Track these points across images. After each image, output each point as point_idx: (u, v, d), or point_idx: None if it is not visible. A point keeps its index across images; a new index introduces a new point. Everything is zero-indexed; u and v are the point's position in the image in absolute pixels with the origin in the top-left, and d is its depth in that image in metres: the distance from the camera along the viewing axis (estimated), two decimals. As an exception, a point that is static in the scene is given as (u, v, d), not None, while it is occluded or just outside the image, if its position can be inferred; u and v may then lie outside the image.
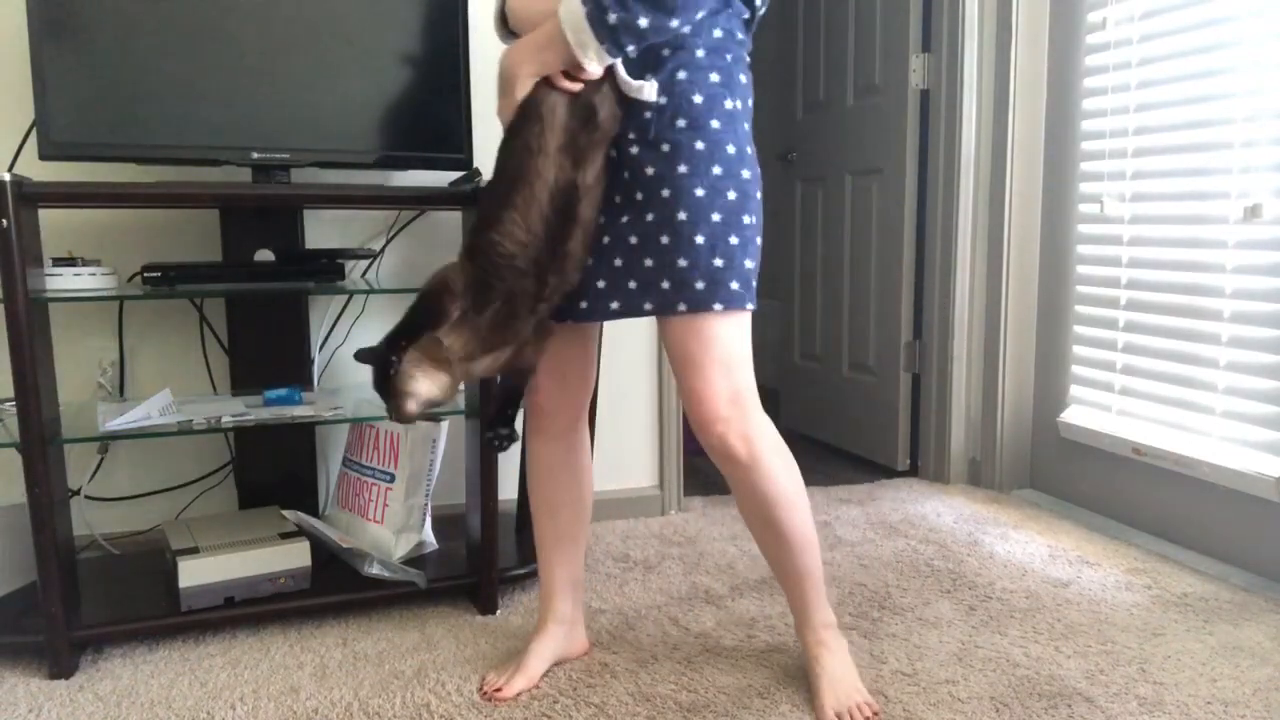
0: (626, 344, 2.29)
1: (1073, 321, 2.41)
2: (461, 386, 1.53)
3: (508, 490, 2.09)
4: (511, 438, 1.39)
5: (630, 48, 1.18)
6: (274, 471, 1.96)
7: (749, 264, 1.28)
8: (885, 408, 2.86)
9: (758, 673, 1.52)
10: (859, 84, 2.93)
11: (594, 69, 1.19)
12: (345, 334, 2.11)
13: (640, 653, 1.60)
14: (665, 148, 1.23)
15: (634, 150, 1.24)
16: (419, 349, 1.21)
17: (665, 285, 1.25)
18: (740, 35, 1.29)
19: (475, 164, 1.98)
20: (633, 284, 1.28)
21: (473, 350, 1.23)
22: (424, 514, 1.90)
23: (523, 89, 1.21)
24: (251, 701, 1.43)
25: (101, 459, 1.98)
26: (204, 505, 2.06)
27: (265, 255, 1.88)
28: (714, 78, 1.24)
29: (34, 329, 1.45)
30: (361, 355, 1.25)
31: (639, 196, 1.25)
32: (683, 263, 1.24)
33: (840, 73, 3.02)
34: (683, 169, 1.23)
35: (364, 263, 2.09)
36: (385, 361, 1.21)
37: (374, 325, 2.14)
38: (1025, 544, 2.14)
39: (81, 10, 1.62)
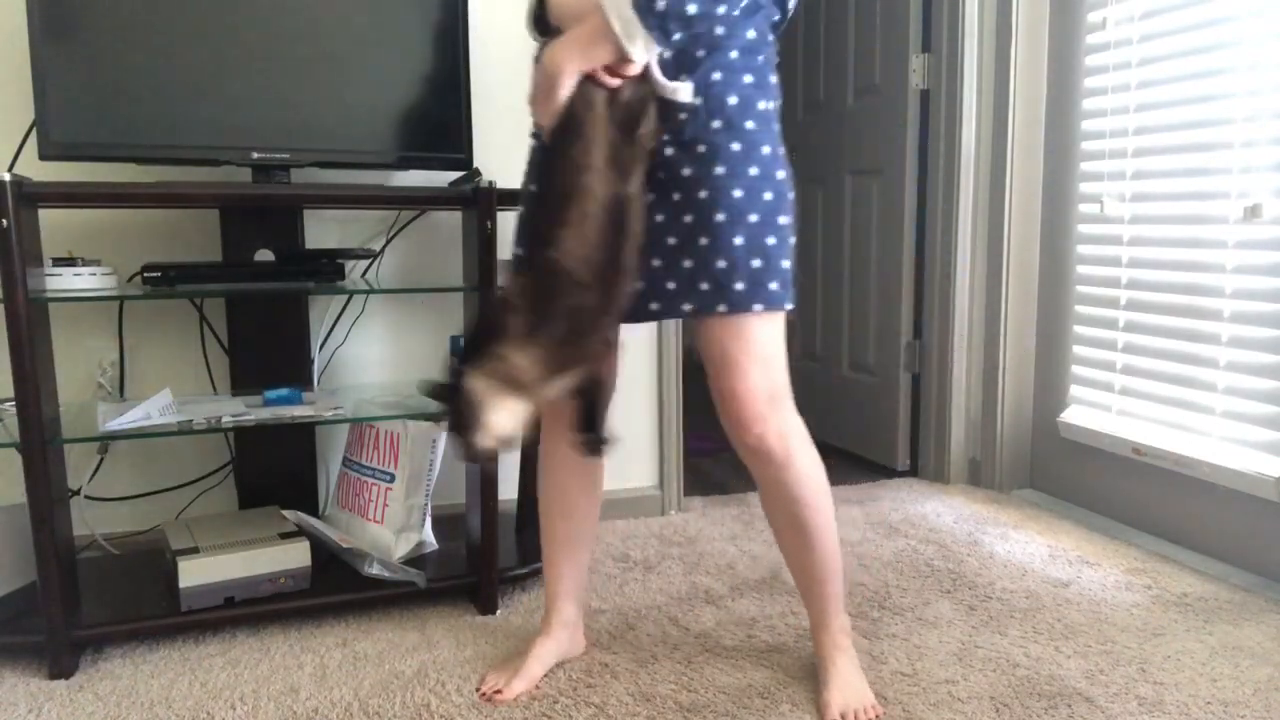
0: (627, 344, 2.29)
1: (1073, 321, 2.41)
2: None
3: (508, 490, 2.09)
4: (607, 441, 1.34)
5: (677, 35, 1.17)
6: (274, 471, 1.96)
7: (785, 263, 1.28)
8: (885, 408, 2.86)
9: (758, 673, 1.52)
10: (859, 84, 2.93)
11: (640, 59, 1.17)
12: (345, 334, 2.11)
13: (640, 653, 1.60)
14: (701, 149, 1.23)
15: (669, 152, 1.24)
16: (488, 374, 1.15)
17: (705, 286, 1.25)
18: (770, 37, 1.29)
19: (475, 164, 1.99)
20: (671, 285, 1.27)
21: (545, 370, 1.17)
22: (424, 514, 1.90)
23: (566, 89, 1.18)
24: (251, 701, 1.43)
25: (101, 459, 1.98)
26: (204, 505, 2.06)
27: (265, 255, 1.88)
28: (748, 79, 1.24)
29: (34, 329, 1.45)
30: (428, 389, 1.19)
31: (676, 198, 1.25)
32: (722, 264, 1.24)
33: (840, 73, 3.02)
34: (720, 170, 1.23)
35: (364, 263, 2.09)
36: (453, 388, 1.14)
37: (374, 325, 2.14)
38: (1025, 544, 2.14)
39: (81, 10, 1.62)
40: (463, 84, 1.89)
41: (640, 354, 2.33)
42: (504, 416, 1.15)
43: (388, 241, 2.11)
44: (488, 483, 1.74)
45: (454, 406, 1.15)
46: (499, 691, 1.43)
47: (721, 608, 1.79)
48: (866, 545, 2.13)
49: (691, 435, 3.14)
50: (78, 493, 1.96)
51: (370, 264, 2.10)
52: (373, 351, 2.14)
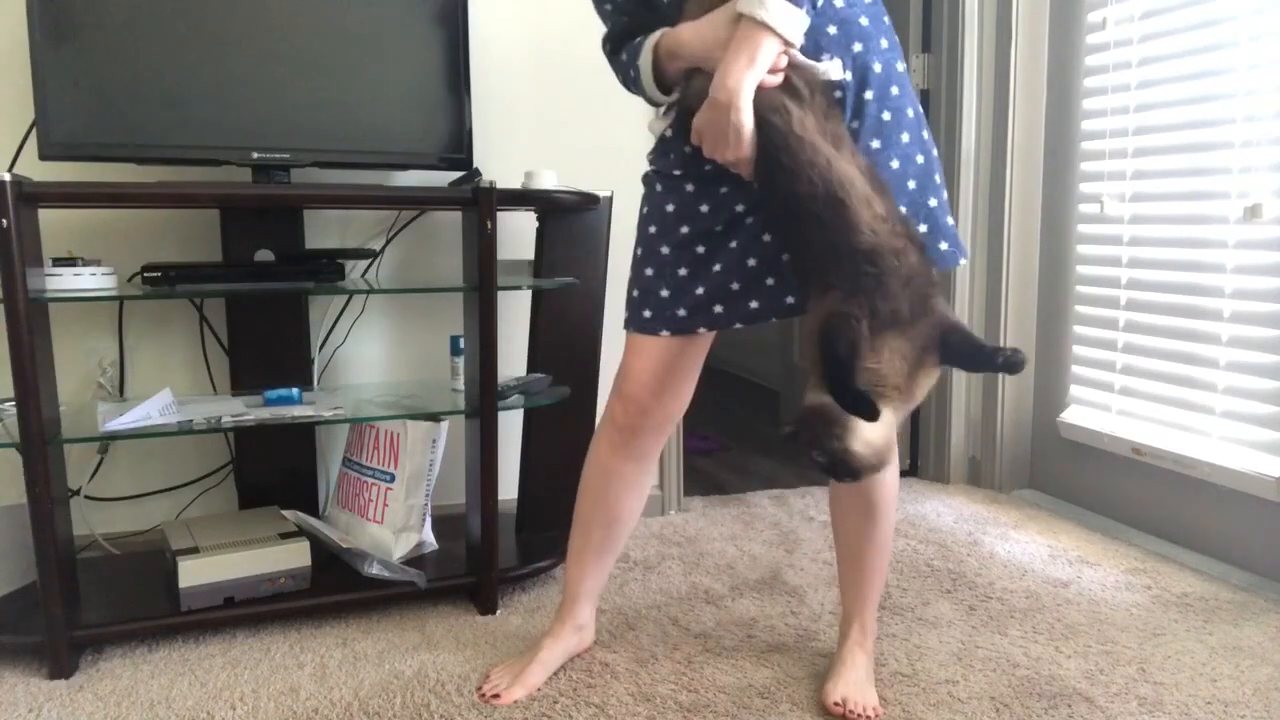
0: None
1: (1073, 321, 2.41)
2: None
3: (508, 490, 2.09)
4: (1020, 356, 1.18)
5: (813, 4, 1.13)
6: (274, 471, 1.96)
7: (950, 220, 1.27)
8: (885, 408, 2.85)
9: (758, 673, 1.52)
10: (859, 84, 2.93)
11: (799, 37, 1.12)
12: (345, 334, 2.11)
13: (640, 653, 1.59)
14: (855, 125, 1.20)
15: None
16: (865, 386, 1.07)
17: None
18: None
19: (475, 164, 1.99)
20: None
21: (909, 366, 1.09)
22: (424, 514, 1.90)
23: (749, 117, 1.12)
24: (251, 701, 1.43)
25: (101, 459, 1.98)
26: (204, 505, 2.06)
27: (265, 255, 1.88)
28: (884, 44, 1.22)
29: (34, 329, 1.45)
30: (800, 421, 1.11)
31: None
32: None
33: (840, 73, 3.02)
34: (875, 144, 1.21)
35: (364, 263, 2.09)
36: (861, 403, 1.06)
37: (374, 325, 2.14)
38: (1025, 544, 2.14)
39: (81, 11, 1.62)
40: (463, 84, 1.89)
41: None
42: (876, 429, 1.09)
43: (388, 241, 2.11)
44: (488, 483, 1.73)
45: (821, 425, 1.09)
46: (497, 695, 1.43)
47: (721, 608, 1.79)
48: (866, 545, 2.13)
49: (691, 435, 3.14)
50: (78, 493, 1.96)
51: (370, 264, 2.10)
52: (373, 351, 2.14)
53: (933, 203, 1.24)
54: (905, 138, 1.22)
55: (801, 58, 1.16)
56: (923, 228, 1.23)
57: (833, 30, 1.19)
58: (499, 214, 1.70)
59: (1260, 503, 1.92)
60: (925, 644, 1.62)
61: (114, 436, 1.58)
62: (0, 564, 1.69)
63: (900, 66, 1.24)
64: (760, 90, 1.13)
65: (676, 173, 1.31)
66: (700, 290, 1.30)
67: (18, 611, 1.62)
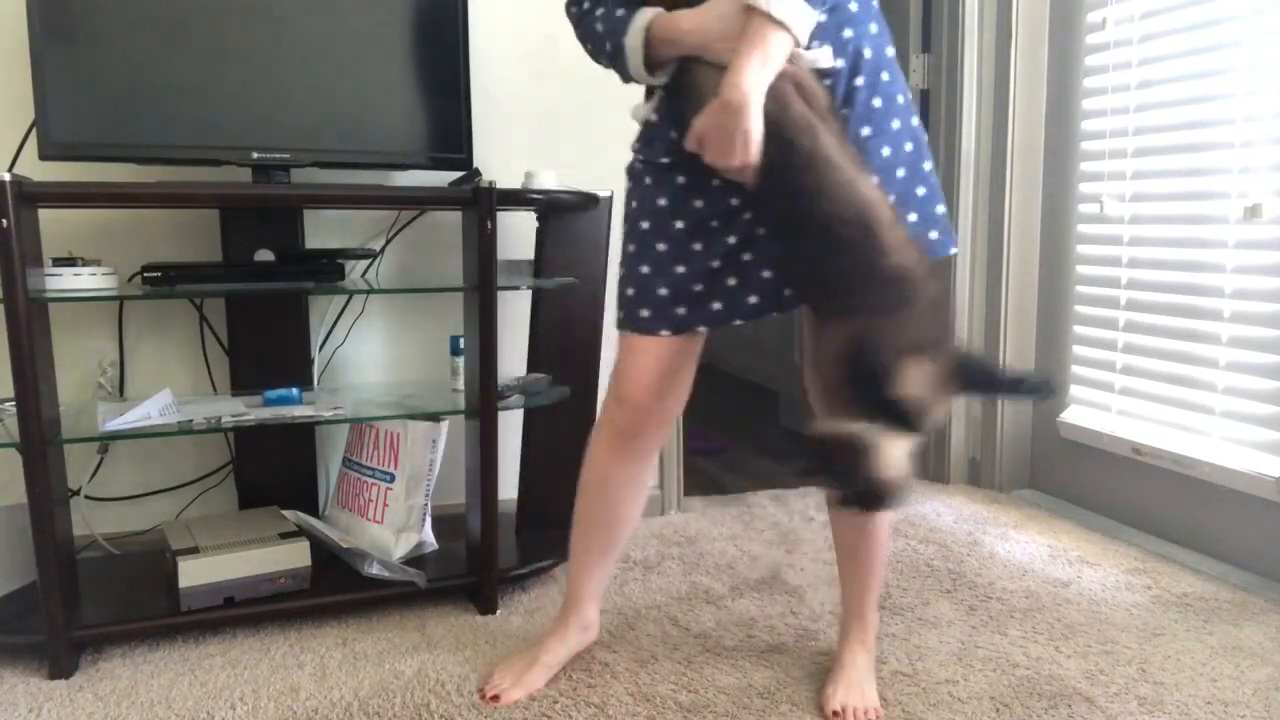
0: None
1: (1073, 321, 2.41)
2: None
3: (508, 490, 2.09)
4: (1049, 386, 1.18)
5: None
6: (274, 471, 1.96)
7: (940, 209, 1.25)
8: (885, 408, 2.86)
9: (758, 673, 1.52)
10: (859, 84, 2.93)
11: (807, 39, 1.10)
12: (345, 334, 2.11)
13: (640, 653, 1.59)
14: (846, 112, 1.18)
15: None
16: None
17: None
18: None
19: (475, 164, 1.99)
20: None
21: (930, 393, 1.06)
22: (424, 514, 1.90)
23: (761, 121, 1.08)
24: (251, 701, 1.43)
25: (101, 459, 1.98)
26: (204, 505, 2.06)
27: (265, 255, 1.88)
28: (873, 29, 1.20)
29: (34, 329, 1.45)
30: (814, 449, 1.08)
31: None
32: None
33: (840, 73, 3.02)
34: (866, 131, 1.19)
35: (364, 263, 2.09)
36: (832, 438, 1.02)
37: (374, 325, 2.14)
38: (1025, 544, 2.14)
39: (81, 10, 1.62)
40: (463, 84, 1.89)
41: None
42: (897, 453, 1.05)
43: (388, 241, 2.11)
44: (488, 483, 1.73)
45: (843, 455, 1.04)
46: (496, 697, 1.42)
47: (721, 608, 1.79)
48: (866, 545, 2.13)
49: (691, 435, 3.14)
50: (78, 493, 1.96)
51: (370, 264, 2.10)
52: (373, 351, 2.14)
53: (921, 191, 1.23)
54: (896, 124, 1.21)
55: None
56: (912, 216, 1.22)
57: (822, 16, 1.15)
58: (499, 214, 1.70)
59: (1260, 503, 1.92)
60: (925, 644, 1.62)
61: (114, 436, 1.58)
62: (0, 564, 1.69)
63: (889, 51, 1.22)
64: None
65: (664, 160, 1.28)
66: (699, 287, 1.28)
67: (18, 611, 1.62)
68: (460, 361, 1.91)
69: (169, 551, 1.66)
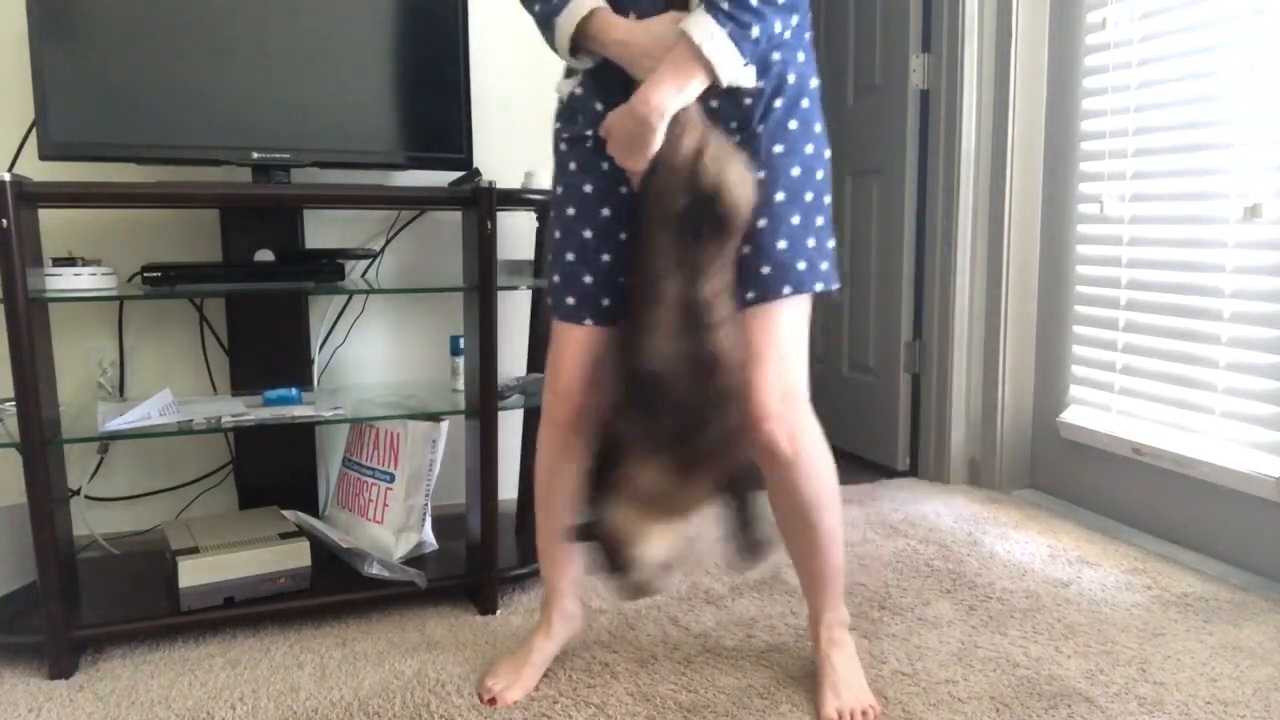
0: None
1: (1073, 321, 2.41)
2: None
3: (508, 490, 2.09)
4: (763, 545, 1.24)
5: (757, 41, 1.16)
6: (274, 471, 1.96)
7: (831, 242, 1.28)
8: (885, 408, 2.86)
9: (758, 673, 1.52)
10: (859, 84, 2.93)
11: (732, 80, 1.16)
12: (345, 334, 2.12)
13: (640, 653, 1.59)
14: (761, 129, 1.21)
15: (736, 140, 1.22)
16: (624, 502, 1.06)
17: (766, 270, 1.22)
18: (806, 3, 1.27)
19: (475, 164, 1.99)
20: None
21: (676, 476, 1.07)
22: (424, 514, 1.90)
23: (660, 139, 1.14)
24: (251, 701, 1.43)
25: (101, 459, 1.98)
26: (204, 505, 2.06)
27: (265, 255, 1.88)
28: (800, 56, 1.23)
29: (34, 329, 1.45)
30: (576, 535, 1.13)
31: None
32: (782, 244, 1.22)
33: (840, 73, 3.02)
34: (779, 149, 1.22)
35: (364, 263, 2.09)
36: (593, 526, 1.04)
37: (374, 325, 2.14)
38: (1025, 544, 2.14)
39: (81, 10, 1.62)
40: (463, 84, 1.89)
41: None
42: (653, 544, 1.06)
43: (388, 241, 2.11)
44: (488, 483, 1.73)
45: (601, 546, 1.06)
46: (494, 700, 1.42)
47: (721, 608, 1.79)
48: (867, 545, 2.13)
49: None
50: (78, 493, 1.96)
51: (370, 264, 2.10)
52: (373, 351, 2.15)
53: (819, 220, 1.26)
54: (810, 149, 1.24)
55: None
56: (810, 242, 1.24)
57: (751, 66, 1.20)
58: (499, 214, 1.70)
59: (1260, 503, 1.92)
60: (925, 644, 1.62)
61: (114, 436, 1.58)
62: (0, 564, 1.69)
63: (814, 83, 1.26)
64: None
65: (589, 133, 1.27)
66: (624, 277, 1.28)
67: (18, 611, 1.62)
68: (460, 361, 1.91)
69: (169, 551, 1.66)
